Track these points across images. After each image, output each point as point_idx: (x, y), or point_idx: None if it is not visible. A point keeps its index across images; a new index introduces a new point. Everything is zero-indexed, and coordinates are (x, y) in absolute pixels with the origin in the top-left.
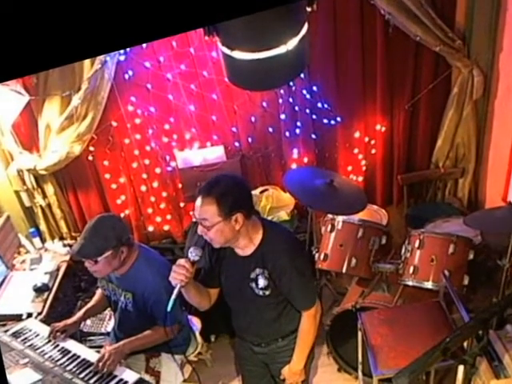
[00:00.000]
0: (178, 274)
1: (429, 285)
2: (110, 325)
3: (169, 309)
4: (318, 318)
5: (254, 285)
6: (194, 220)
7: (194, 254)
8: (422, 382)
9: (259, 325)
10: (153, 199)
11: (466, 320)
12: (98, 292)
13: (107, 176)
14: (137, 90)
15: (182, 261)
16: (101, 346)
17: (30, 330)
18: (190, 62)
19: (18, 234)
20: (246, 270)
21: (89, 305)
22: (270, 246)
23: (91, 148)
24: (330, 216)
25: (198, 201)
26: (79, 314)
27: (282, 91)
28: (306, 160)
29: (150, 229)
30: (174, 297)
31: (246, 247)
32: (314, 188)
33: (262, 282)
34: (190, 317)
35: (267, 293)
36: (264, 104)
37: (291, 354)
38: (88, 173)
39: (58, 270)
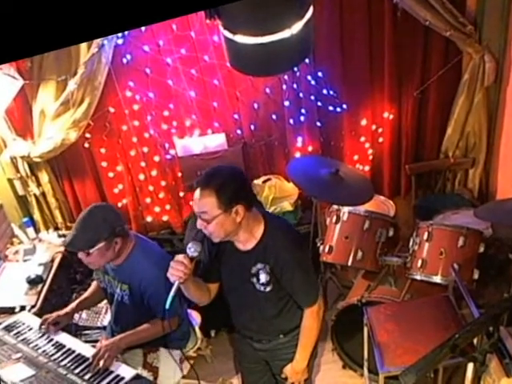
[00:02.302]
0: (177, 271)
1: (437, 279)
2: (106, 318)
3: (167, 306)
4: (320, 315)
5: (255, 280)
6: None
7: (192, 249)
8: (430, 380)
9: (260, 321)
10: (151, 188)
11: (476, 316)
12: (94, 284)
13: (104, 164)
14: (135, 74)
15: (180, 257)
16: (96, 341)
17: (23, 324)
18: (190, 46)
19: (10, 223)
20: (247, 264)
21: (83, 296)
22: (271, 240)
23: (87, 135)
24: (335, 207)
25: (197, 193)
26: (72, 305)
27: (286, 77)
28: (310, 148)
29: (149, 219)
30: (172, 294)
31: (246, 241)
32: (319, 178)
33: (263, 277)
34: (189, 311)
35: (268, 288)
36: (267, 90)
37: (293, 351)
38: (84, 160)
39: (52, 261)
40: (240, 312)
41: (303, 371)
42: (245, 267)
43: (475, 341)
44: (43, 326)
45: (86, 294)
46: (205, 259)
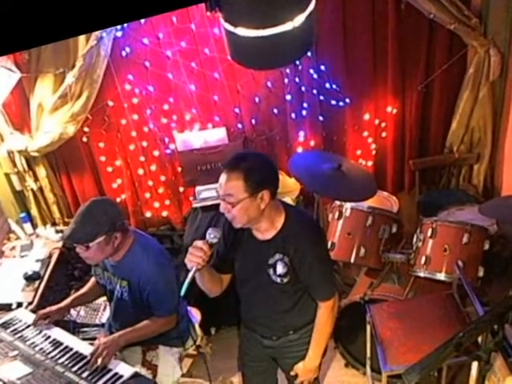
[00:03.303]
0: (195, 257)
1: (441, 276)
2: (104, 316)
3: (182, 293)
4: (335, 310)
5: (271, 271)
6: (193, 206)
7: (212, 235)
8: (434, 379)
9: (272, 315)
10: (150, 183)
11: (481, 314)
12: (92, 280)
13: (102, 158)
14: (134, 67)
15: (199, 242)
16: (95, 338)
17: (20, 321)
18: (190, 39)
19: (7, 219)
20: (265, 255)
21: (79, 292)
22: (292, 231)
23: (86, 129)
24: (337, 203)
25: (223, 176)
26: (67, 300)
27: (287, 70)
28: (312, 143)
29: (148, 215)
30: (188, 280)
31: (266, 231)
32: (321, 173)
33: (280, 269)
34: (189, 308)
35: (285, 280)
36: (269, 84)
37: (303, 349)
38: (82, 155)
39: (49, 257)
40: (251, 305)
41: (315, 369)
42: (262, 257)
43: (480, 339)
44: (34, 318)
45: (82, 290)
46: (220, 248)
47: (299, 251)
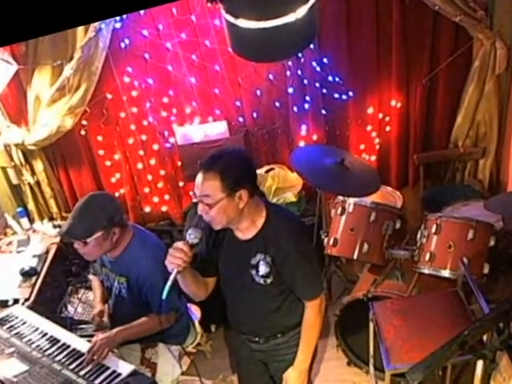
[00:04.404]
0: (175, 258)
1: (446, 273)
2: None
3: (164, 296)
4: (323, 309)
5: (254, 272)
6: (194, 200)
7: (192, 235)
8: (438, 378)
9: (257, 316)
10: (150, 178)
11: (486, 311)
12: (95, 278)
13: (101, 152)
14: (134, 60)
15: (179, 243)
16: (92, 335)
17: (17, 318)
18: (191, 31)
19: (4, 213)
20: (246, 255)
21: (99, 292)
22: (273, 230)
23: (84, 122)
24: (340, 198)
25: (200, 176)
26: (98, 300)
27: (289, 63)
28: (315, 137)
29: (147, 209)
30: (169, 283)
31: (247, 230)
32: (324, 167)
33: (263, 269)
34: (188, 305)
35: (268, 281)
36: (270, 76)
37: (292, 352)
38: (80, 148)
39: (47, 252)
40: (236, 306)
41: (305, 374)
42: (244, 258)
43: (485, 337)
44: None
45: (99, 289)
46: (203, 250)
47: (281, 250)
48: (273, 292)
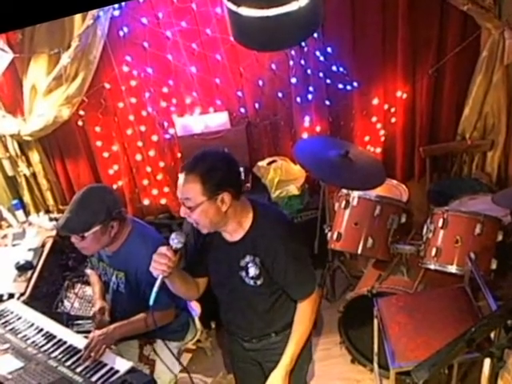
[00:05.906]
0: (160, 264)
1: (453, 269)
2: None
3: (151, 302)
4: (315, 308)
5: (243, 274)
6: None
7: (176, 240)
8: (444, 377)
9: (250, 317)
10: (149, 170)
11: (494, 308)
12: (93, 273)
13: (98, 143)
14: (132, 48)
15: (163, 249)
16: (89, 331)
17: (12, 313)
18: (191, 19)
19: None
20: (235, 257)
21: (98, 287)
22: (261, 230)
23: (81, 112)
24: (344, 191)
25: (181, 179)
26: (98, 297)
27: (292, 52)
28: (318, 129)
29: (146, 202)
30: (156, 289)
31: (234, 232)
32: (327, 160)
33: (252, 271)
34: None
35: (259, 282)
36: (273, 66)
37: None
38: (77, 139)
39: (43, 246)
40: (229, 308)
41: (287, 374)
42: (233, 260)
43: (492, 335)
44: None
45: (98, 284)
46: (192, 251)
47: (271, 251)
48: (264, 293)
